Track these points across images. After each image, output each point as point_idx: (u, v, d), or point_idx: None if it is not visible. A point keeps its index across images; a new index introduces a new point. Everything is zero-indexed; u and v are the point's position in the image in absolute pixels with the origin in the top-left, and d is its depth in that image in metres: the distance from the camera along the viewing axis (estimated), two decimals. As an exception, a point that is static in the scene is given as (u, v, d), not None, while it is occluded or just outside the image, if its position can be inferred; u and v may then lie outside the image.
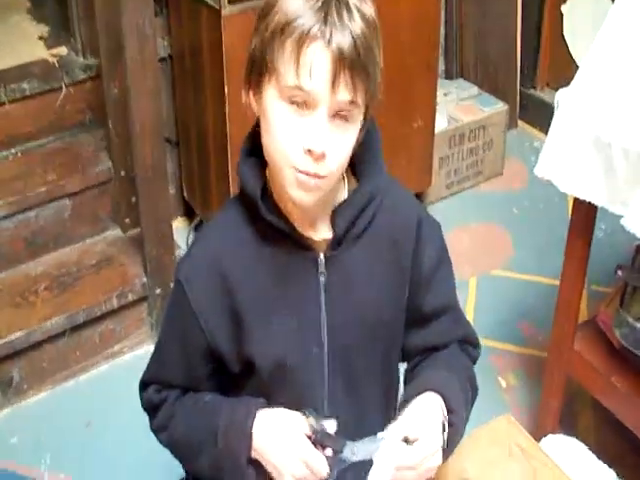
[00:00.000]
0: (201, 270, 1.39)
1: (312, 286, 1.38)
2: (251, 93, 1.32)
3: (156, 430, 1.51)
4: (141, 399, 1.53)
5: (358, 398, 1.49)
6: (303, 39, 1.19)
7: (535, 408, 2.63)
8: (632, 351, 2.23)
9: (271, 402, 1.41)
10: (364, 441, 1.35)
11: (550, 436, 2.38)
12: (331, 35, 1.19)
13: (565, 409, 2.53)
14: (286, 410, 1.38)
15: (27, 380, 2.75)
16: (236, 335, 1.39)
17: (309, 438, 1.33)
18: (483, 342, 2.91)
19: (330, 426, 1.34)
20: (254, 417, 1.36)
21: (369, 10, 1.24)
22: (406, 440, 1.32)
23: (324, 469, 1.31)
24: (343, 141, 1.27)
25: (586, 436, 2.50)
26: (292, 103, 1.23)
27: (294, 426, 1.34)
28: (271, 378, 1.41)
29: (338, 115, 1.24)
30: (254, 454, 1.36)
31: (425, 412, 1.37)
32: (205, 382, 1.47)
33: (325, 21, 1.19)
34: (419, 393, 1.40)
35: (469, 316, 3.04)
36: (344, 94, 1.21)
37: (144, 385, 1.51)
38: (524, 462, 1.68)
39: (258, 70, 1.27)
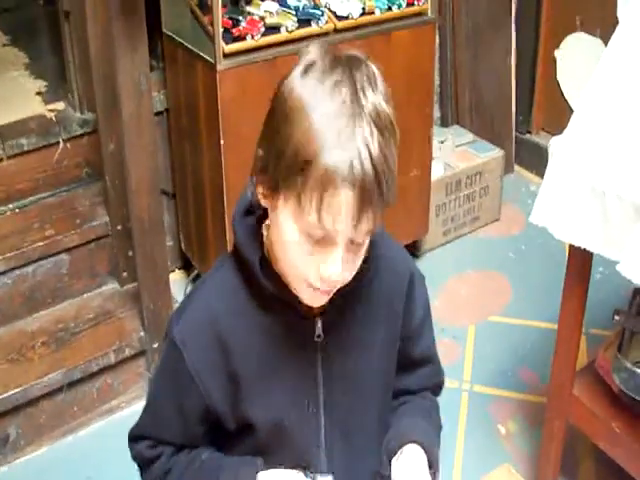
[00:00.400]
0: (197, 330, 1.36)
1: (309, 347, 1.37)
2: (260, 188, 1.25)
3: None
4: (131, 450, 1.50)
5: (354, 447, 1.49)
6: (329, 181, 1.12)
7: (535, 455, 2.62)
8: (632, 396, 2.22)
9: (268, 458, 1.40)
10: None
11: (552, 486, 2.37)
12: (358, 176, 1.13)
13: (566, 456, 2.51)
14: (285, 470, 1.39)
15: (24, 436, 2.73)
16: (233, 396, 1.37)
17: None
18: (482, 390, 2.94)
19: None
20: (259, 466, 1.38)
21: (391, 123, 1.18)
22: None
23: None
24: (358, 259, 1.26)
25: (587, 482, 2.49)
26: (309, 236, 1.19)
27: None
28: (268, 437, 1.40)
29: (355, 243, 1.22)
30: None
31: (416, 468, 1.42)
32: (201, 439, 1.45)
33: (351, 162, 1.12)
34: (404, 443, 1.45)
35: (468, 364, 3.04)
36: (365, 227, 1.19)
37: (135, 438, 1.48)
38: None
39: (272, 185, 1.21)
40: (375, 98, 1.16)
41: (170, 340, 1.37)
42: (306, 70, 1.17)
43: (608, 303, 2.29)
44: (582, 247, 2.04)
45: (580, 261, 2.20)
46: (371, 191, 1.14)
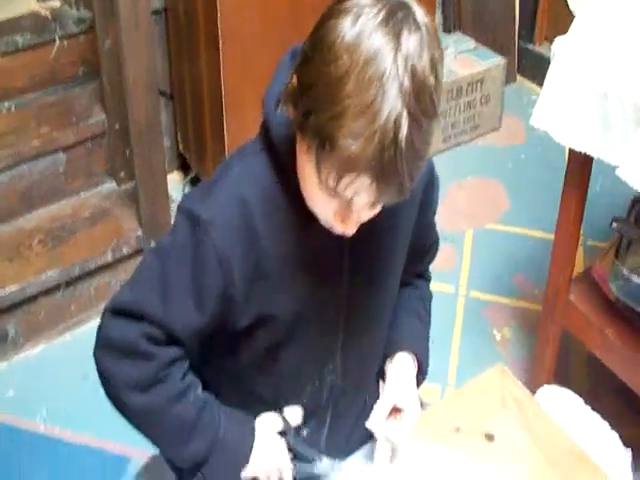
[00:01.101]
0: (226, 211, 1.27)
1: (338, 248, 1.35)
2: (289, 108, 1.19)
3: (127, 383, 1.33)
4: (110, 328, 1.34)
5: (368, 346, 1.53)
6: (348, 167, 1.08)
7: (529, 361, 2.64)
8: (627, 304, 2.23)
9: (282, 354, 1.41)
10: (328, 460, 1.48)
11: (544, 387, 2.38)
12: (380, 168, 1.08)
13: (560, 363, 2.54)
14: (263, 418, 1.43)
15: (23, 334, 2.75)
16: (255, 285, 1.31)
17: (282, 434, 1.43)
18: (478, 296, 2.96)
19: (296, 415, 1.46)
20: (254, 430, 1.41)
21: (432, 104, 1.10)
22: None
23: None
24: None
25: (580, 388, 2.50)
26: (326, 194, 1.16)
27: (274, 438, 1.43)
28: (285, 330, 1.38)
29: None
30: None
31: (406, 383, 1.52)
32: (206, 340, 1.37)
33: (375, 152, 1.06)
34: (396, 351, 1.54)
35: (465, 269, 3.05)
36: (384, 204, 1.19)
37: (124, 315, 1.31)
38: (518, 413, 1.68)
39: (298, 123, 1.15)
40: (421, 71, 1.07)
41: (193, 218, 1.27)
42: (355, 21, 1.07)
43: (606, 216, 2.28)
44: (582, 152, 2.02)
45: (579, 168, 2.19)
46: (393, 184, 1.11)
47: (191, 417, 1.34)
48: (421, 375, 1.57)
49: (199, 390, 1.37)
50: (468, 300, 2.97)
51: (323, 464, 1.46)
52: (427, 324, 1.66)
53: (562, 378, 2.59)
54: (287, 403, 1.47)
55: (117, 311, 1.32)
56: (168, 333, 1.30)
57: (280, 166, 1.28)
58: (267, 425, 1.42)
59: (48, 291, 2.72)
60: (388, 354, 1.55)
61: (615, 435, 2.26)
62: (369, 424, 1.45)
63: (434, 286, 1.73)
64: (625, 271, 2.21)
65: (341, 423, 1.55)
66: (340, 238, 1.27)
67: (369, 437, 1.54)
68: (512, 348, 2.78)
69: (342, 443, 1.57)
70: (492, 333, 2.84)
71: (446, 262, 3.02)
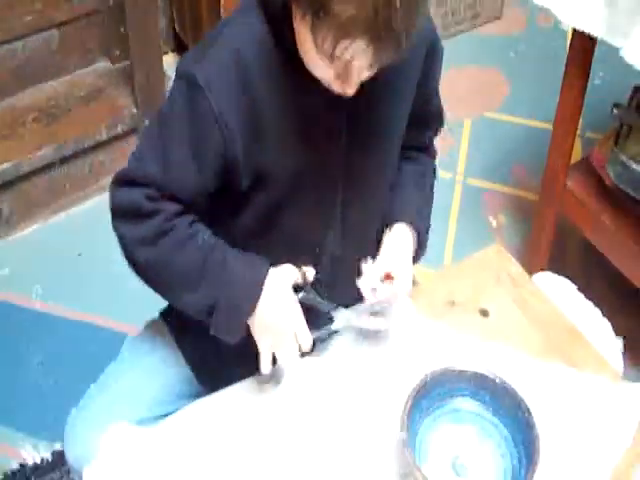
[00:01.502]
0: (222, 70, 1.26)
1: (337, 107, 1.32)
2: None
3: (136, 241, 1.34)
4: (118, 196, 1.35)
5: (366, 211, 1.51)
6: (343, 32, 1.08)
7: (524, 248, 2.65)
8: (624, 190, 2.23)
9: (282, 216, 1.40)
10: (345, 310, 1.48)
11: (539, 273, 2.40)
12: (376, 31, 1.07)
13: (554, 250, 2.55)
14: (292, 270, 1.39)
15: (17, 212, 2.74)
16: (254, 142, 1.30)
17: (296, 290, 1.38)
18: (475, 182, 2.95)
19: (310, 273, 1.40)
20: (267, 274, 1.35)
21: None
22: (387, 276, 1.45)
23: (308, 343, 1.38)
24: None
25: (574, 276, 2.51)
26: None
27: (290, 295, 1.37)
28: (284, 191, 1.37)
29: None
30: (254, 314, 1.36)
31: (400, 251, 1.50)
32: (205, 206, 1.37)
33: (369, 15, 1.05)
34: (396, 220, 1.52)
35: (462, 156, 3.03)
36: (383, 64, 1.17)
37: (129, 182, 1.32)
38: (513, 290, 1.69)
39: (302, 3, 1.12)
40: None
41: (189, 79, 1.26)
42: None
43: (605, 109, 2.26)
44: (585, 32, 1.98)
45: (580, 57, 2.16)
46: (390, 45, 1.10)
47: (198, 261, 1.33)
48: (420, 249, 1.56)
49: (207, 235, 1.36)
50: (465, 187, 2.96)
51: (340, 318, 1.46)
52: (429, 199, 1.64)
53: (556, 266, 2.60)
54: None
55: (120, 180, 1.34)
56: (169, 195, 1.31)
57: (277, 29, 1.26)
58: (282, 274, 1.37)
59: (42, 169, 2.69)
60: (386, 225, 1.53)
61: (607, 323, 2.29)
62: (359, 282, 1.43)
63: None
64: (624, 158, 2.20)
65: (339, 297, 1.55)
66: (338, 101, 1.27)
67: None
68: (507, 235, 2.78)
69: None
70: (488, 220, 2.84)
71: (444, 149, 2.99)
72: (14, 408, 2.35)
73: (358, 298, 1.46)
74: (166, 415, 1.49)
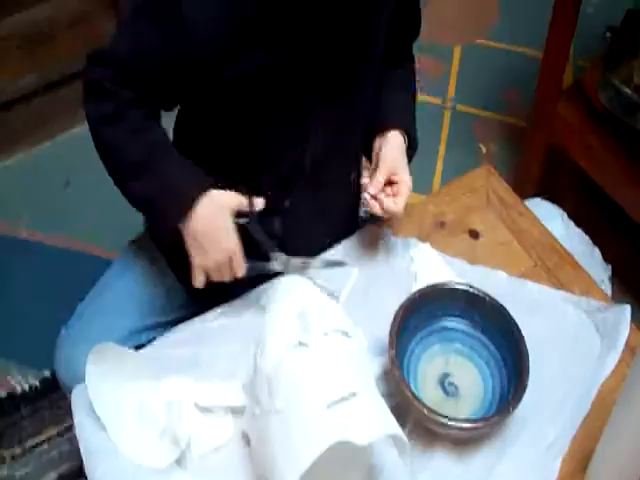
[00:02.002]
0: None
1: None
2: None
3: (97, 119, 1.36)
4: (87, 72, 1.35)
5: (351, 111, 1.48)
6: None
7: (515, 175, 2.63)
8: (615, 115, 2.21)
9: (262, 114, 1.37)
10: (288, 257, 1.45)
11: (530, 199, 2.38)
12: None
13: (545, 177, 2.53)
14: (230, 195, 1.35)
15: (2, 141, 2.71)
16: (229, 33, 1.27)
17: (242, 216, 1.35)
18: (465, 109, 2.92)
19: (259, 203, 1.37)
20: (206, 188, 1.32)
21: None
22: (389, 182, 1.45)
23: (241, 271, 1.36)
24: None
25: (564, 202, 2.50)
26: None
27: (228, 215, 1.34)
28: (262, 86, 1.33)
29: None
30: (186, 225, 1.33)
31: (398, 156, 1.49)
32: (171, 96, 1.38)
33: None
34: (387, 123, 1.50)
35: (452, 83, 3.00)
36: None
37: (97, 60, 1.34)
38: (502, 211, 1.68)
39: None
40: None
41: None
42: None
43: (596, 38, 2.22)
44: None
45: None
46: None
47: (145, 154, 1.33)
48: (411, 150, 1.54)
49: (159, 134, 1.37)
50: (455, 113, 2.92)
51: (278, 261, 1.43)
52: (414, 98, 1.64)
53: (547, 192, 2.58)
54: (268, 171, 1.44)
55: (93, 57, 1.36)
56: (134, 81, 1.32)
57: None
58: (224, 196, 1.34)
59: (27, 97, 2.65)
60: (378, 128, 1.52)
61: (597, 250, 2.28)
62: (364, 194, 1.45)
63: (420, 97, 1.69)
64: (615, 82, 2.17)
65: (322, 198, 1.53)
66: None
67: (333, 240, 1.57)
68: (497, 162, 2.75)
69: (311, 235, 1.56)
70: (478, 146, 2.81)
71: (433, 75, 2.96)
72: (1, 337, 2.35)
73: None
74: (157, 325, 1.50)
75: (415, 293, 1.36)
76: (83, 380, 1.27)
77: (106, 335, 1.43)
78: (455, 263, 1.56)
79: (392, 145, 1.49)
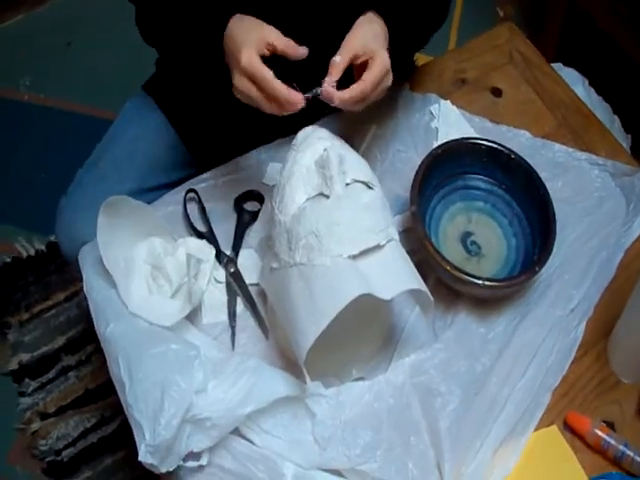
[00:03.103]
0: None
1: None
2: None
3: None
4: None
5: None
6: None
7: (533, 40, 2.52)
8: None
9: None
10: None
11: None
12: None
13: (565, 42, 2.43)
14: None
15: (2, 3, 2.61)
16: None
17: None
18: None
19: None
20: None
21: None
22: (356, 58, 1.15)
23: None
24: None
25: (585, 69, 2.41)
26: None
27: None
28: None
29: None
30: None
31: (369, 38, 1.17)
32: None
33: None
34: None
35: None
36: None
37: None
38: (526, 69, 1.60)
39: None
40: None
41: None
42: None
43: None
44: None
45: None
46: None
47: None
48: (397, 47, 1.22)
49: None
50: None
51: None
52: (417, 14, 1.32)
53: (567, 58, 2.49)
54: None
55: None
56: None
57: None
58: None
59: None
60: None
61: (617, 119, 2.22)
62: (324, 86, 1.12)
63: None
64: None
65: None
66: None
67: None
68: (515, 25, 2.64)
69: None
70: (495, 10, 2.70)
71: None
72: (6, 203, 2.31)
73: None
74: (160, 187, 1.43)
75: (437, 148, 1.29)
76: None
77: (105, 197, 1.34)
78: (476, 121, 1.50)
79: (361, 28, 1.19)
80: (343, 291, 0.97)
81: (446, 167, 1.31)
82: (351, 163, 1.09)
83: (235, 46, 1.11)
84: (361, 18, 1.20)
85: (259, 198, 1.35)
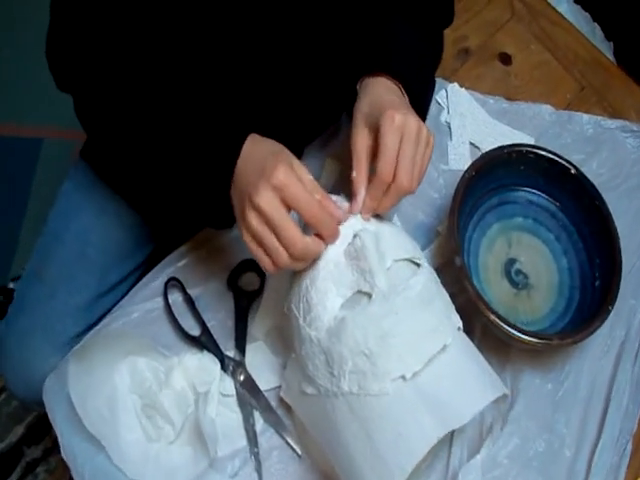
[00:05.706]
0: None
1: None
2: None
3: None
4: None
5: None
6: None
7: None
8: None
9: None
10: None
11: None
12: None
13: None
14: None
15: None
16: None
17: None
18: None
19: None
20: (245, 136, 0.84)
21: None
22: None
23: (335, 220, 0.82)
24: None
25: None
26: None
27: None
28: None
29: None
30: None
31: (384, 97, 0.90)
32: None
33: None
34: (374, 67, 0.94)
35: None
36: None
37: None
38: (532, 21, 1.37)
39: None
40: None
41: None
42: None
43: None
44: None
45: None
46: None
47: None
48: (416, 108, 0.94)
49: None
50: None
51: None
52: (430, 52, 1.05)
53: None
54: None
55: None
56: None
57: None
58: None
59: None
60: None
61: (597, 27, 2.03)
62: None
63: None
64: None
65: None
66: None
67: None
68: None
69: None
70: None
71: None
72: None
73: None
74: (124, 278, 1.13)
75: (469, 170, 1.01)
76: (40, 390, 0.94)
77: (58, 318, 1.07)
78: (491, 103, 1.25)
79: (373, 91, 0.92)
80: (414, 439, 0.72)
81: (478, 187, 1.05)
82: (387, 239, 0.82)
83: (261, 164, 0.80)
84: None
85: (257, 268, 1.03)
